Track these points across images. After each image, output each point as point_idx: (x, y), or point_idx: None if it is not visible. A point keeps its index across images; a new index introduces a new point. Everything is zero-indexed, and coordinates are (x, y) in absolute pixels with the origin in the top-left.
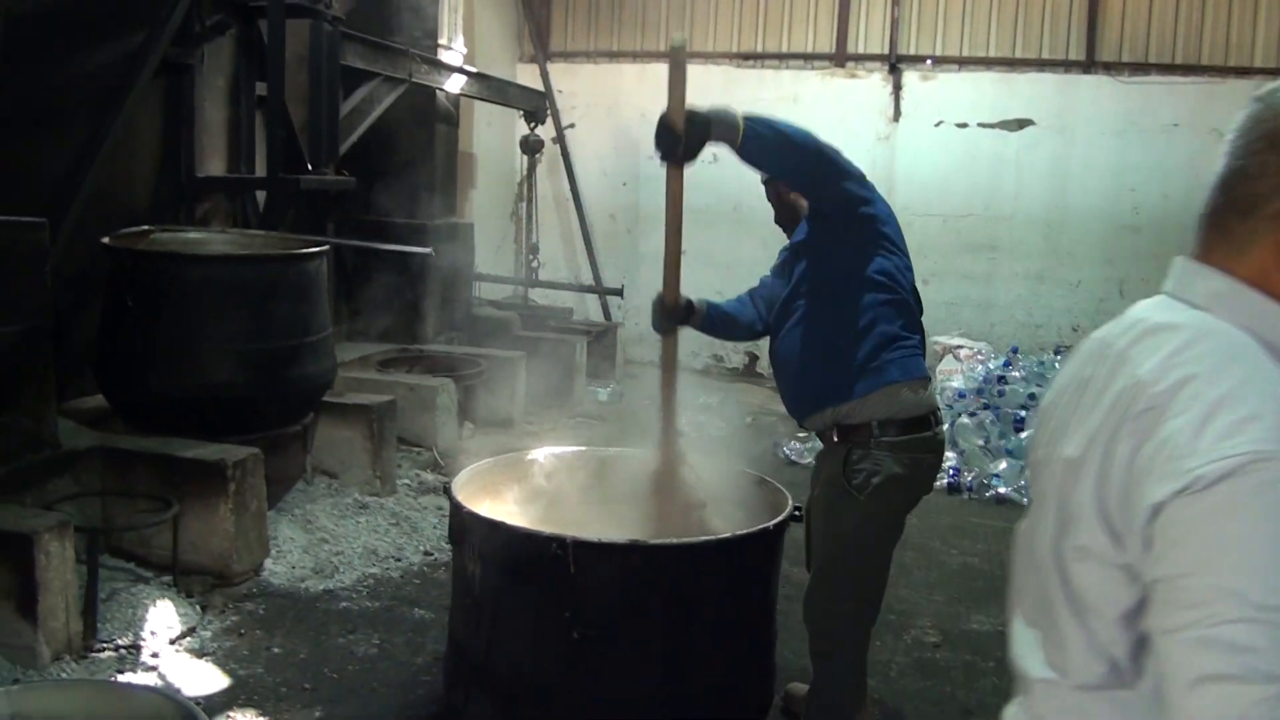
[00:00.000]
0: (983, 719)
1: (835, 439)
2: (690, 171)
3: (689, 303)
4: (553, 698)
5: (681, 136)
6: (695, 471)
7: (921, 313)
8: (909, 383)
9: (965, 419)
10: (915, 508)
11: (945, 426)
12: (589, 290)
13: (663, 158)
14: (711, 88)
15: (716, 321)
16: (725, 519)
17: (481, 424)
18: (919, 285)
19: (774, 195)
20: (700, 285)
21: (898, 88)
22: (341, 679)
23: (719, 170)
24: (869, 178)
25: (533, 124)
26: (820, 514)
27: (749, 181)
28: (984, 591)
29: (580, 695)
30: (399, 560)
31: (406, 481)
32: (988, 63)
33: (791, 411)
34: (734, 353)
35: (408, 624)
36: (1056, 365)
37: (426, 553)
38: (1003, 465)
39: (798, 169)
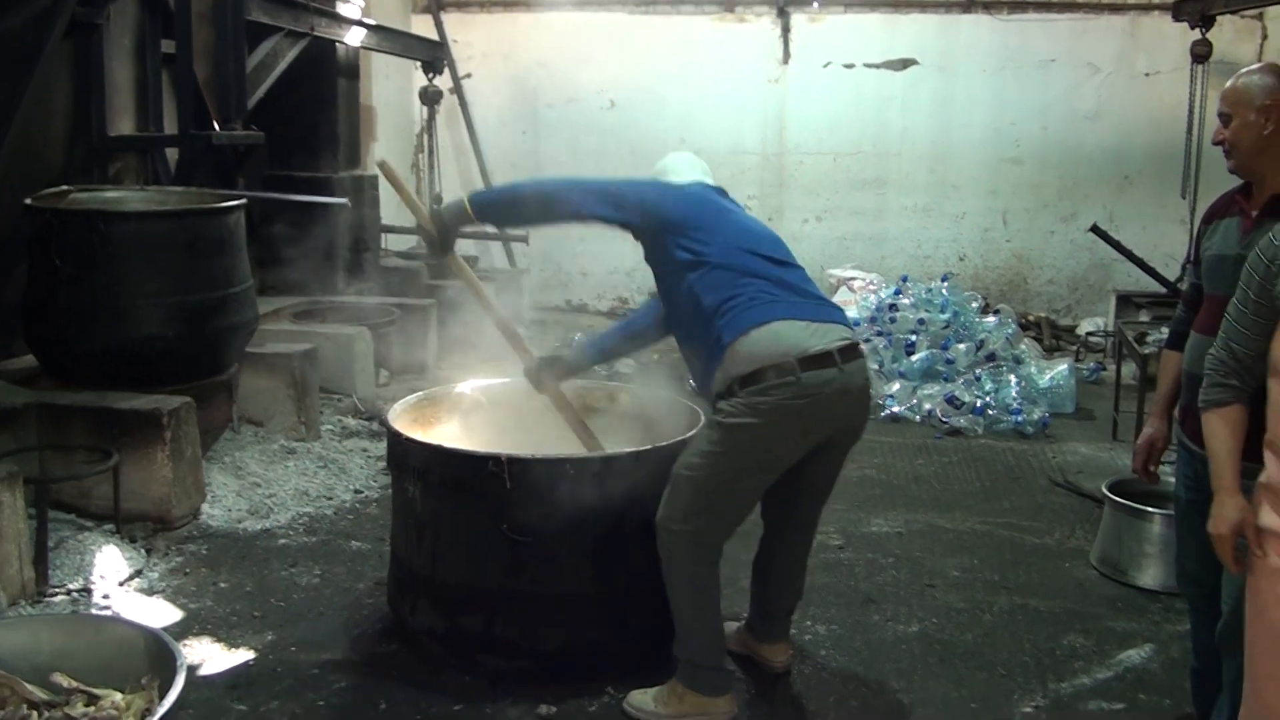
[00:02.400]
0: (883, 604)
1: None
2: (585, 117)
3: (548, 358)
4: (495, 602)
5: (434, 235)
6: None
7: (779, 264)
8: (745, 334)
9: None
10: (801, 454)
11: (845, 368)
12: (493, 238)
13: (430, 253)
14: (606, 34)
15: (604, 350)
16: (650, 433)
17: (397, 371)
18: (813, 222)
19: None
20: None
21: (786, 30)
22: (288, 606)
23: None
24: (760, 120)
25: (430, 75)
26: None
27: (645, 127)
28: (880, 500)
29: (520, 598)
30: (330, 499)
31: (330, 427)
32: (872, 4)
33: (704, 393)
34: (639, 294)
35: (346, 555)
36: (944, 292)
37: (356, 491)
38: (895, 386)
39: (542, 213)
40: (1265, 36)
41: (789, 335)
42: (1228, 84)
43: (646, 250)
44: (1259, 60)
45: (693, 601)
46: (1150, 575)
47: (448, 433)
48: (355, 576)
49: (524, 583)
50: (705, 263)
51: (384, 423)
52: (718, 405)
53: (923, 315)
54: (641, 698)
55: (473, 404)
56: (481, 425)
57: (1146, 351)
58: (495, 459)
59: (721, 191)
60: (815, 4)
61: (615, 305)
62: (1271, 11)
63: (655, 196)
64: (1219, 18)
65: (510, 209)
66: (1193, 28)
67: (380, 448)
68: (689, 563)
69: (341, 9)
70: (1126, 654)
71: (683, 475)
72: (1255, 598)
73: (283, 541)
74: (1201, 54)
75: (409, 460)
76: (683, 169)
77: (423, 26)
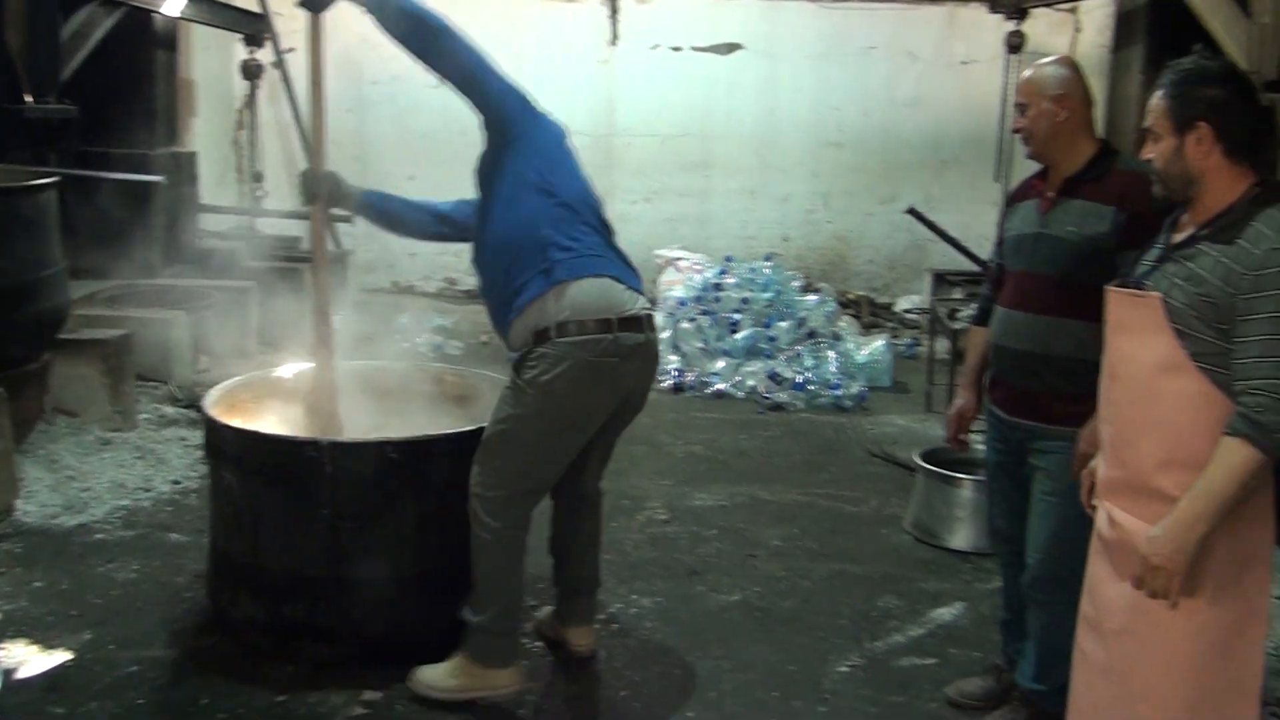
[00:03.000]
0: (706, 575)
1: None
2: (411, 96)
3: (334, 174)
4: (317, 589)
5: None
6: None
7: (607, 230)
8: (578, 280)
9: (686, 324)
10: (607, 415)
11: (649, 335)
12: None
13: (306, 4)
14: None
15: (378, 211)
16: (472, 414)
17: (216, 356)
18: (641, 203)
19: None
20: None
21: (615, 12)
22: (106, 604)
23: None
24: (590, 101)
25: (252, 48)
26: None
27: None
28: (705, 474)
29: (343, 584)
30: (148, 491)
31: (147, 416)
32: None
33: (496, 329)
34: (468, 275)
35: (164, 548)
36: (767, 271)
37: (175, 481)
38: (720, 364)
39: (426, 40)
40: (1079, 29)
41: (613, 293)
42: (1023, 75)
43: (493, 150)
44: (1072, 52)
45: (499, 566)
46: (961, 537)
47: (269, 419)
48: (174, 570)
49: (346, 568)
50: (555, 195)
51: (201, 409)
52: (527, 359)
53: (746, 294)
54: (430, 673)
55: (294, 389)
56: (304, 408)
57: (958, 327)
58: (314, 443)
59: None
60: None
61: (444, 286)
62: (1084, 5)
63: (534, 108)
64: (1033, 10)
65: (405, 18)
66: (1008, 19)
67: (198, 436)
68: (500, 528)
69: None
70: (938, 612)
71: (494, 439)
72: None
73: (100, 536)
74: (1016, 45)
75: (226, 448)
76: None
77: None
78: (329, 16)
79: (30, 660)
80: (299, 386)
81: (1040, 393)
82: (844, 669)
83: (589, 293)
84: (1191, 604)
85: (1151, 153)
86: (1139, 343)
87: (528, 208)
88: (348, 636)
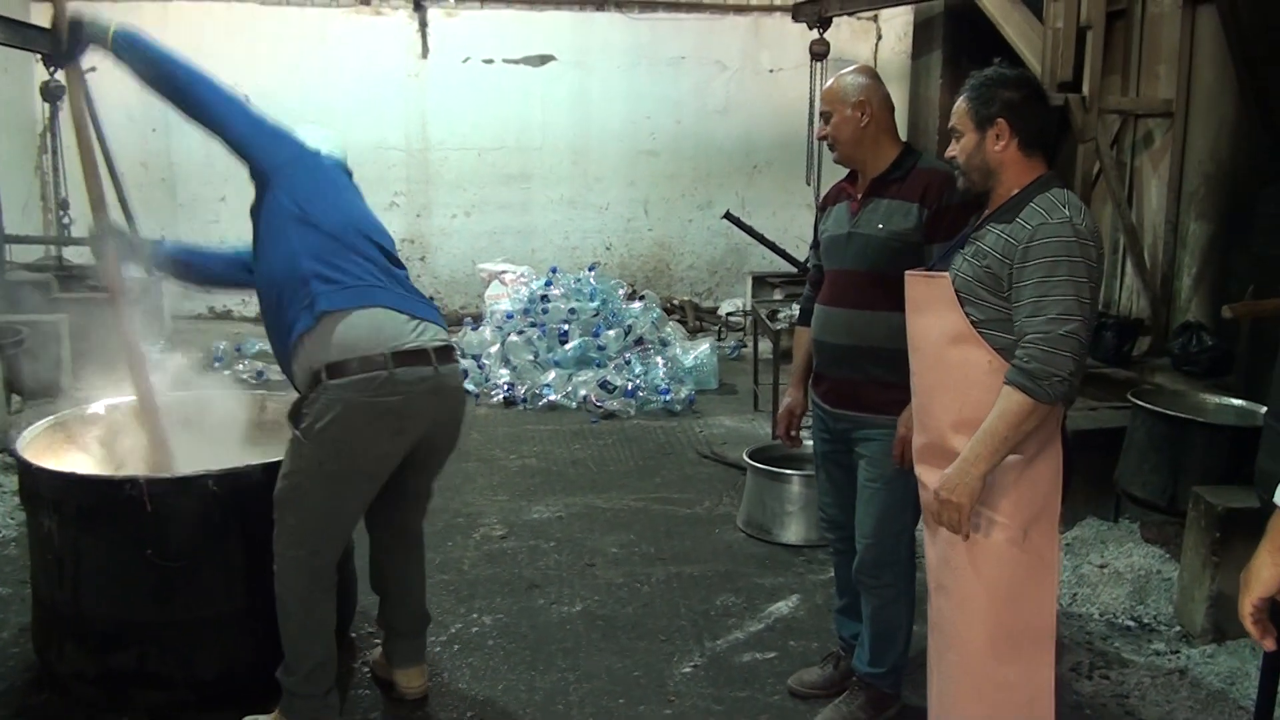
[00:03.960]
0: (546, 588)
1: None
2: None
3: (119, 230)
4: (146, 634)
5: (61, 32)
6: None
7: (387, 257)
8: (342, 313)
9: (515, 337)
10: (399, 457)
11: (440, 367)
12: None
13: (52, 60)
14: (238, 26)
15: (180, 265)
16: None
17: (30, 395)
18: (461, 216)
19: None
20: None
21: (424, 25)
22: None
23: None
24: (403, 116)
25: (52, 69)
26: None
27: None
28: (541, 487)
29: (172, 627)
30: None
31: None
32: (508, 0)
33: (285, 373)
34: None
35: None
36: (592, 281)
37: None
38: (551, 375)
39: (180, 94)
40: (880, 36)
41: (387, 326)
42: (826, 85)
43: (257, 191)
44: (874, 59)
45: (303, 627)
46: (792, 532)
47: (86, 456)
48: None
49: (175, 610)
50: (314, 225)
51: (13, 453)
52: (302, 405)
53: (573, 305)
54: None
55: (113, 425)
56: (123, 447)
57: (779, 328)
58: (133, 481)
59: (347, 173)
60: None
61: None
62: (885, 13)
63: (291, 142)
64: (836, 19)
65: (152, 68)
66: (811, 28)
67: (15, 481)
68: (303, 587)
69: None
70: (775, 606)
71: (281, 495)
72: None
73: None
74: (820, 52)
75: (42, 491)
76: (316, 140)
77: (43, 16)
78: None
79: None
80: (116, 423)
81: (859, 383)
82: (687, 670)
83: (356, 327)
84: (985, 556)
85: (954, 150)
86: (932, 318)
87: (288, 242)
88: (182, 682)
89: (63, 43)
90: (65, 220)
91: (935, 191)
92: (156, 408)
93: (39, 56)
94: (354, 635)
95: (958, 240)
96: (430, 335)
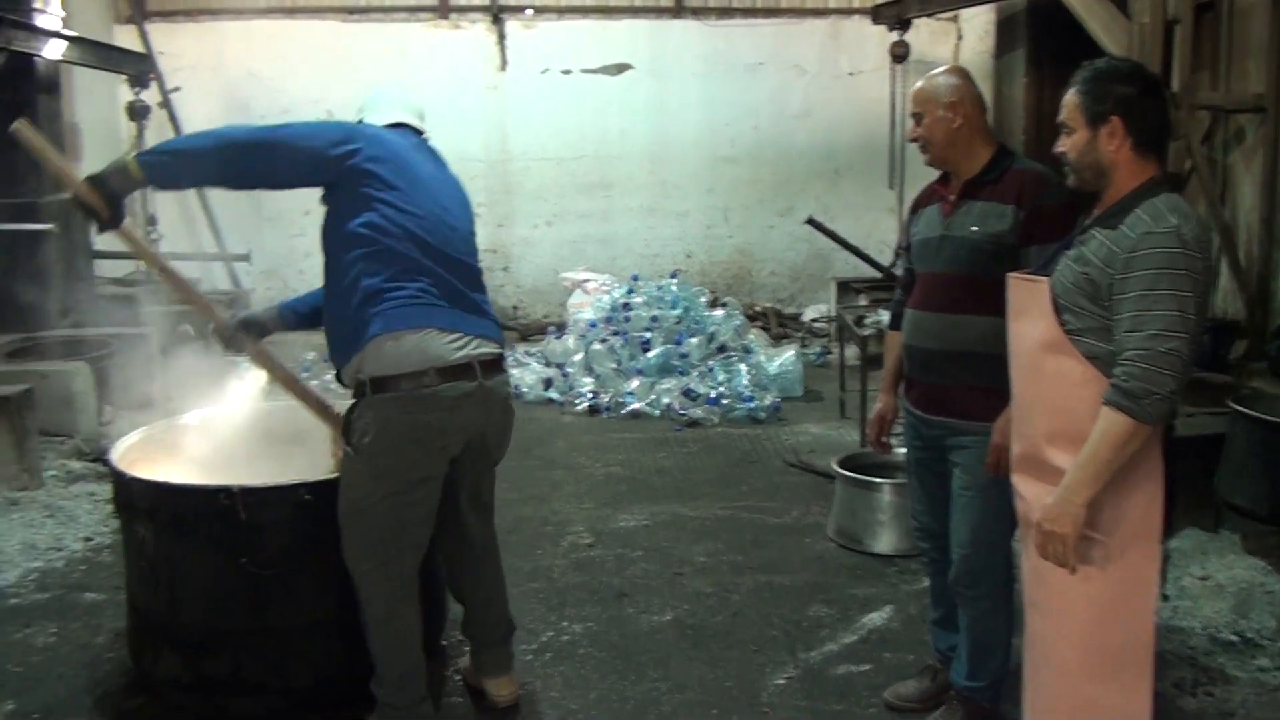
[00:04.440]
0: (635, 597)
1: (353, 395)
2: None
3: (243, 319)
4: (240, 641)
5: (95, 206)
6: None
7: (466, 253)
8: (393, 334)
9: (598, 345)
10: (444, 466)
11: (484, 380)
12: (214, 258)
13: (99, 229)
14: (319, 42)
15: (299, 316)
16: None
17: (122, 406)
18: (543, 226)
19: None
20: None
21: (502, 37)
22: (26, 671)
23: None
24: (482, 127)
25: (137, 89)
26: None
27: None
28: (626, 495)
29: (266, 635)
30: (60, 550)
31: (54, 473)
32: (585, 11)
33: (335, 369)
34: None
35: (81, 609)
36: (674, 288)
37: (87, 539)
38: (634, 384)
39: (225, 170)
40: (960, 37)
41: (435, 344)
42: (916, 86)
43: (328, 201)
44: (955, 60)
45: (387, 639)
46: (884, 541)
47: (180, 465)
48: (93, 630)
49: (269, 618)
50: (377, 242)
51: (108, 463)
52: (351, 418)
53: (655, 312)
54: None
55: (202, 435)
56: (214, 457)
57: (866, 333)
58: (227, 491)
59: (422, 138)
60: (529, 10)
61: None
62: (966, 13)
63: (349, 146)
64: (915, 20)
65: (189, 167)
66: (891, 30)
67: (108, 490)
68: (382, 598)
69: (39, 20)
70: (868, 617)
71: (345, 513)
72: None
73: (13, 601)
74: (900, 54)
75: (137, 501)
76: (383, 106)
77: (127, 38)
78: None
79: None
80: (208, 433)
81: (952, 389)
82: (780, 681)
83: (405, 346)
84: (1083, 574)
85: (1065, 146)
86: (1029, 324)
87: (350, 259)
88: (276, 690)
89: (104, 215)
90: (153, 236)
91: (1031, 193)
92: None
93: (124, 77)
94: (445, 643)
95: (1063, 242)
96: (477, 349)
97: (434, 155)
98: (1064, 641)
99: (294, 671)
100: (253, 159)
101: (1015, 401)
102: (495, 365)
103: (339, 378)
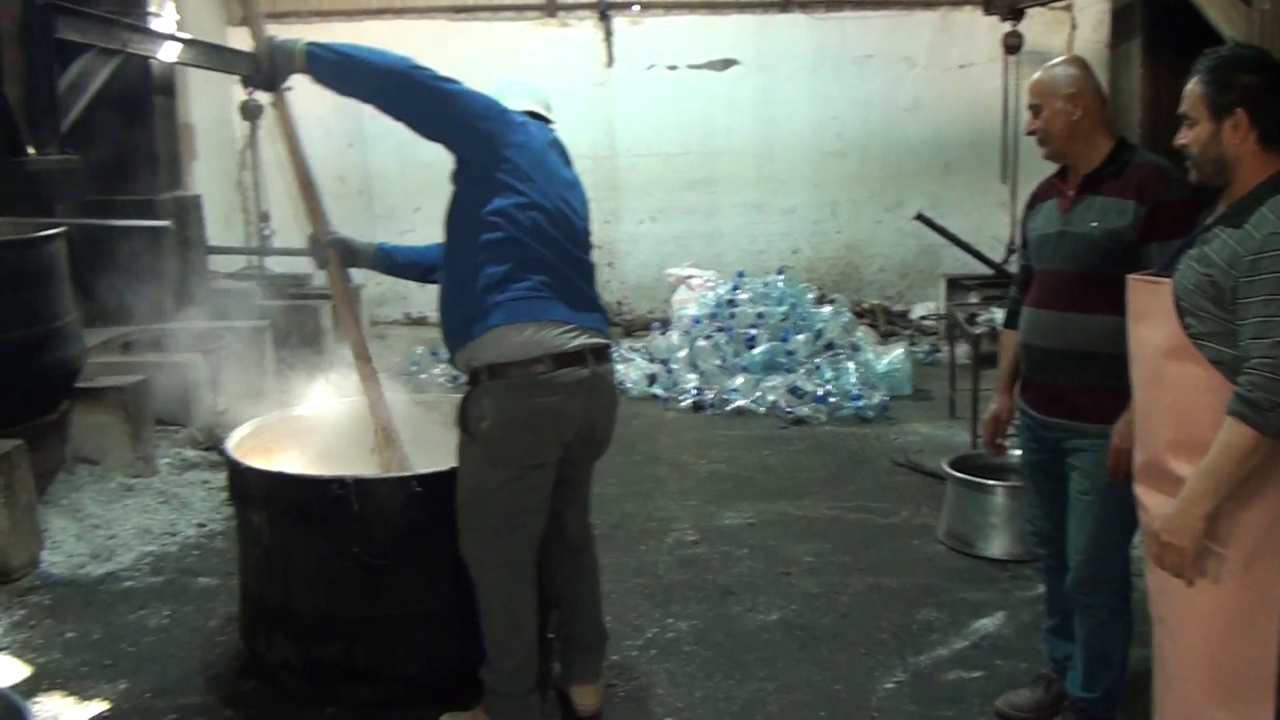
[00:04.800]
0: (741, 595)
1: (468, 382)
2: None
3: (340, 239)
4: (352, 629)
5: (263, 64)
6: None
7: (582, 249)
8: (514, 325)
9: (702, 342)
10: (559, 451)
11: (596, 369)
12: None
13: (254, 85)
14: (428, 42)
15: (391, 263)
16: None
17: (234, 397)
18: (648, 222)
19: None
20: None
21: (609, 34)
22: (139, 651)
23: None
24: (589, 124)
25: (250, 89)
26: None
27: None
28: (731, 492)
29: (378, 623)
30: (174, 536)
31: (168, 460)
32: (691, 6)
33: (449, 353)
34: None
35: (194, 593)
36: (780, 285)
37: (200, 525)
38: (739, 380)
39: (384, 96)
40: (1074, 26)
41: (551, 334)
42: (1034, 76)
43: (461, 181)
44: (1069, 50)
45: (503, 627)
46: (996, 545)
47: (290, 458)
48: (206, 614)
49: (381, 606)
50: (506, 231)
51: (223, 452)
52: (466, 404)
53: (761, 309)
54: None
55: (314, 427)
56: (326, 447)
57: (978, 331)
58: (340, 481)
59: (551, 129)
60: (635, 7)
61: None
62: (1080, 2)
63: (497, 124)
64: (1028, 10)
65: (352, 76)
66: (1004, 20)
67: (222, 478)
68: (500, 586)
69: (154, 24)
70: (980, 623)
71: (462, 499)
72: None
73: (128, 584)
74: (1013, 45)
75: (251, 490)
76: (517, 93)
77: (240, 39)
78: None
79: (66, 712)
80: (321, 424)
81: (1070, 389)
82: (890, 685)
83: (522, 334)
84: (1203, 588)
85: (1186, 138)
86: (1150, 327)
87: (477, 245)
88: (386, 677)
89: (264, 79)
90: (265, 232)
91: (1152, 187)
92: (385, 402)
93: (237, 78)
94: (551, 635)
95: (1186, 240)
96: (590, 337)
97: (562, 150)
98: (1183, 659)
99: (403, 659)
100: (414, 97)
101: (1136, 408)
102: (603, 354)
103: (451, 362)
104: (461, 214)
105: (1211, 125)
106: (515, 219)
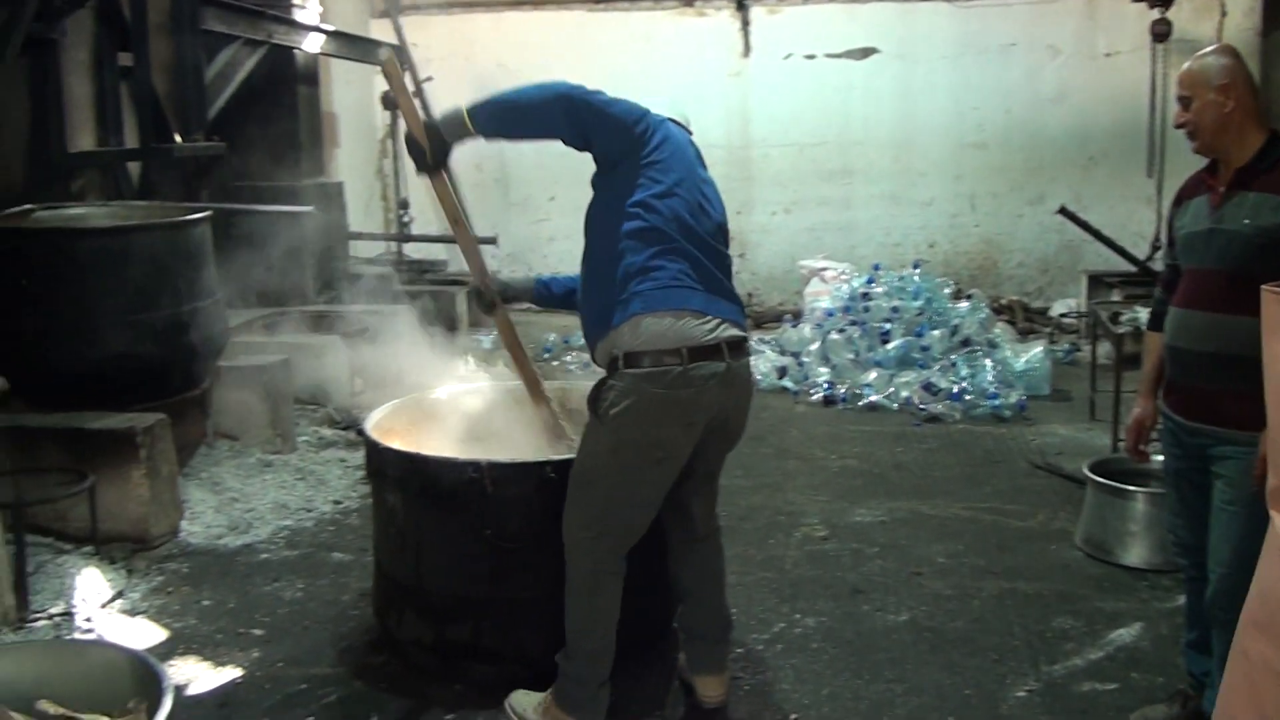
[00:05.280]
0: (871, 594)
1: (606, 370)
2: None
3: (502, 284)
4: (481, 610)
5: (426, 147)
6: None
7: (720, 241)
8: (654, 314)
9: (835, 335)
10: (689, 446)
11: (732, 362)
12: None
13: (418, 169)
14: (565, 32)
15: (550, 295)
16: None
17: (370, 379)
18: (781, 214)
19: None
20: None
21: (746, 23)
22: (273, 621)
23: None
24: (724, 114)
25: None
26: None
27: None
28: (862, 489)
29: (506, 605)
30: (310, 511)
31: (306, 438)
32: None
33: (588, 347)
34: None
35: (328, 567)
36: (916, 279)
37: (336, 502)
38: (872, 375)
39: (550, 124)
40: (1224, 13)
41: (689, 325)
42: (1184, 67)
43: (603, 181)
44: (1218, 38)
45: (586, 613)
46: (1136, 554)
47: (426, 440)
48: (339, 589)
49: (509, 589)
50: (646, 220)
51: (361, 432)
52: (601, 390)
53: (896, 303)
54: (522, 699)
55: (450, 410)
56: (461, 431)
57: (1121, 330)
58: (475, 465)
59: (686, 131)
60: None
61: None
62: None
63: (635, 121)
64: None
65: (519, 120)
66: (1152, 7)
67: (358, 457)
68: (590, 571)
69: (298, 15)
70: (1117, 633)
71: (576, 475)
72: None
73: (264, 556)
74: (1161, 33)
75: (388, 470)
76: (657, 105)
77: (382, 30)
78: (466, 41)
79: (201, 677)
80: (456, 408)
81: (1218, 394)
82: (1021, 694)
83: (660, 324)
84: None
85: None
86: None
87: (616, 236)
88: (512, 657)
89: (426, 159)
90: (404, 218)
91: None
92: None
93: (379, 69)
94: (676, 625)
95: None
96: (725, 331)
97: (698, 153)
98: (1255, 593)
99: (530, 641)
100: (580, 119)
101: (1270, 429)
102: (740, 347)
103: (592, 355)
104: (603, 209)
105: None
106: (655, 208)
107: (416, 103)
